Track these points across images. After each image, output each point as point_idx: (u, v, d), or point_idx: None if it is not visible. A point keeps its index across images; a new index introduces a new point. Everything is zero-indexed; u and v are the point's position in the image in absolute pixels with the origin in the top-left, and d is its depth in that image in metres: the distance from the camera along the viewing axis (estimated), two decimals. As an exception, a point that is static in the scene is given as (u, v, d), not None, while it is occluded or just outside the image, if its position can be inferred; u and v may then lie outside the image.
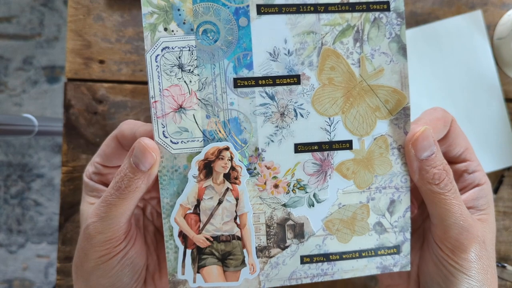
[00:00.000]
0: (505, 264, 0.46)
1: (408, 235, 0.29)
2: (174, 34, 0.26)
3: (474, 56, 0.47)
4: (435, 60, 0.47)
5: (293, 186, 0.28)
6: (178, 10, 0.26)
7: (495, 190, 0.47)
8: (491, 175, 0.47)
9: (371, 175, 0.28)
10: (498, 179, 0.47)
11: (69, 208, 0.44)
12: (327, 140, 0.28)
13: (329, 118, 0.28)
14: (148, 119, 0.45)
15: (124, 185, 0.25)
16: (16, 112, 1.20)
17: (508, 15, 0.46)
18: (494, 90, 0.47)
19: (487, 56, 0.46)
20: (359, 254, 0.29)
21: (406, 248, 0.29)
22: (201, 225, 0.27)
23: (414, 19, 0.47)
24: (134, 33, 0.46)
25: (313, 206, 0.28)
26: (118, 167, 0.29)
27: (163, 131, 0.26)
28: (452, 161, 0.29)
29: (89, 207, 0.28)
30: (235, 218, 0.27)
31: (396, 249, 0.29)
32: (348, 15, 0.27)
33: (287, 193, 0.28)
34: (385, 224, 0.29)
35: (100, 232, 0.26)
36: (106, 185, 0.29)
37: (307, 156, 0.28)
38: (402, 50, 0.28)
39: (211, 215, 0.27)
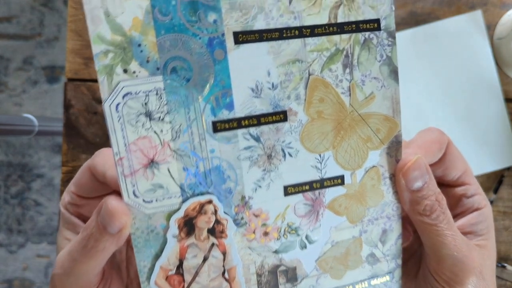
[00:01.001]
0: (505, 264, 0.46)
1: (399, 261, 0.28)
2: (137, 76, 0.21)
3: (474, 56, 0.47)
4: (435, 60, 0.47)
5: (284, 231, 0.26)
6: (139, 45, 0.21)
7: (495, 190, 0.47)
8: (491, 175, 0.47)
9: (363, 208, 0.27)
10: (498, 179, 0.47)
11: (69, 208, 0.44)
12: (318, 178, 0.26)
13: (320, 155, 0.25)
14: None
15: (91, 244, 0.23)
16: (16, 112, 1.20)
17: (508, 15, 0.46)
18: (494, 90, 0.47)
19: (487, 56, 0.46)
20: (353, 287, 0.27)
21: (398, 274, 0.28)
22: (186, 285, 0.24)
23: (414, 19, 0.47)
24: (134, 33, 0.46)
25: (305, 248, 0.26)
26: (95, 199, 0.27)
27: (133, 190, 0.22)
28: (449, 184, 0.28)
29: (63, 242, 0.27)
30: (223, 273, 0.25)
31: (388, 277, 0.28)
32: (336, 38, 0.24)
33: (278, 239, 0.26)
34: (377, 255, 0.28)
35: (65, 287, 0.24)
36: (82, 218, 0.27)
37: (297, 197, 0.25)
38: (394, 73, 0.26)
39: (196, 274, 0.24)
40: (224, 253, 0.25)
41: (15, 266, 1.17)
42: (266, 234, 0.25)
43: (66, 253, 0.24)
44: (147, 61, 0.21)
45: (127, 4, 0.20)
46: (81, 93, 0.45)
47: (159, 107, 0.22)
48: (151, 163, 0.22)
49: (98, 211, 0.23)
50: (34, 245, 1.18)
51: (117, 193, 0.29)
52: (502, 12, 0.47)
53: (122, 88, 0.21)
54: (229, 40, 0.22)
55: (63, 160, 0.44)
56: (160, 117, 0.22)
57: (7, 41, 1.21)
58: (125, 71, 0.21)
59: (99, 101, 0.45)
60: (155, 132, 0.22)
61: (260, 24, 0.23)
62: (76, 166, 0.44)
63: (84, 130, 0.45)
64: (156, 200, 0.23)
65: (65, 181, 0.44)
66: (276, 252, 0.26)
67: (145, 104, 0.22)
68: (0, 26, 1.22)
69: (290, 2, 0.23)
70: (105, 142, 0.45)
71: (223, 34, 0.22)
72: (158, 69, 0.21)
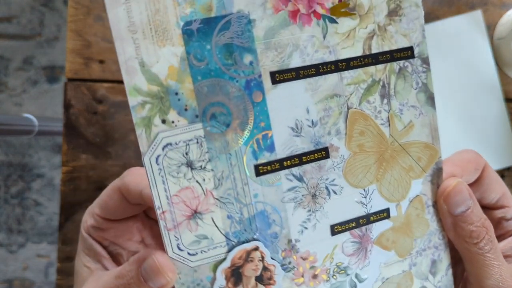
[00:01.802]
0: None
1: None
2: (176, 125, 0.21)
3: (474, 56, 0.47)
4: (435, 60, 0.47)
5: (333, 272, 0.25)
6: (176, 94, 0.20)
7: (495, 190, 0.47)
8: (491, 175, 0.47)
9: (410, 240, 0.26)
10: (498, 179, 0.47)
11: (69, 208, 0.44)
12: (364, 213, 0.25)
13: (364, 189, 0.25)
14: (148, 119, 0.45)
15: None
16: (16, 112, 1.20)
17: (508, 15, 0.46)
18: (494, 90, 0.47)
19: (487, 56, 0.46)
20: None
21: None
22: None
23: (414, 19, 0.47)
24: (134, 33, 0.46)
25: (355, 287, 0.25)
26: (122, 221, 0.26)
27: (177, 244, 0.22)
28: (488, 207, 0.28)
29: (83, 270, 0.26)
30: None
31: None
32: (371, 69, 0.24)
33: (327, 280, 0.25)
34: (429, 287, 0.27)
35: None
36: (105, 243, 0.27)
37: (345, 236, 0.25)
38: (430, 99, 0.26)
39: None
40: None
41: (15, 266, 1.17)
42: (315, 277, 0.25)
43: None
44: (185, 109, 0.21)
45: (161, 52, 0.20)
46: (81, 93, 0.45)
47: (200, 155, 0.21)
48: (195, 214, 0.22)
49: (139, 262, 0.22)
50: (34, 245, 1.18)
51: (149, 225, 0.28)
52: (502, 12, 0.47)
53: (161, 140, 0.21)
54: (266, 81, 0.22)
55: (63, 160, 0.44)
56: (201, 165, 0.21)
57: (7, 41, 1.21)
58: (163, 121, 0.20)
59: (99, 101, 0.45)
60: (197, 181, 0.21)
61: (296, 62, 0.23)
62: (76, 166, 0.44)
63: (84, 130, 0.45)
64: (201, 252, 0.22)
65: (65, 181, 0.44)
66: None
67: (186, 154, 0.21)
68: (0, 26, 1.22)
69: (324, 37, 0.23)
70: (105, 142, 0.45)
71: (259, 75, 0.22)
72: (197, 116, 0.21)
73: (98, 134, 0.45)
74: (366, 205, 0.25)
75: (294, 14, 0.22)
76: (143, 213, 0.28)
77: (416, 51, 0.25)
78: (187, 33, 0.20)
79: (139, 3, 0.20)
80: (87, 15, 0.46)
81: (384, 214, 0.25)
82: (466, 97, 0.47)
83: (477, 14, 0.46)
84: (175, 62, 0.20)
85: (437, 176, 0.26)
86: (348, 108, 0.24)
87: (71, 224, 0.44)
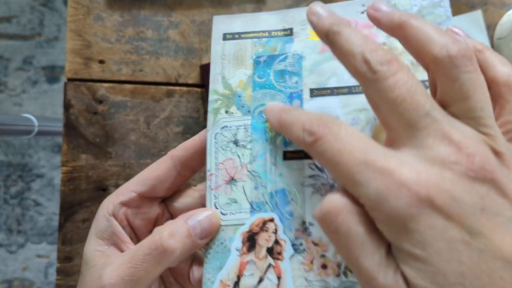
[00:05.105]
0: None
1: None
2: (233, 115, 0.28)
3: (474, 56, 0.47)
4: (435, 60, 0.47)
5: (345, 268, 0.25)
6: (239, 96, 0.29)
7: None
8: (491, 175, 0.47)
9: None
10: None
11: (69, 208, 0.44)
12: None
13: None
14: (147, 119, 0.45)
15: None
16: (16, 112, 1.20)
17: (508, 15, 0.46)
18: (494, 90, 0.47)
19: (487, 56, 0.46)
20: None
21: None
22: None
23: (414, 19, 0.47)
24: (134, 33, 0.46)
25: None
26: (150, 202, 0.28)
27: (215, 202, 0.27)
28: None
29: (94, 254, 0.26)
30: None
31: None
32: None
33: (337, 275, 0.24)
34: None
35: None
36: (125, 227, 0.27)
37: None
38: None
39: None
40: (279, 278, 0.25)
41: (15, 266, 1.17)
42: (324, 266, 0.25)
43: (126, 261, 0.24)
44: (243, 106, 0.28)
45: (237, 72, 0.29)
46: (81, 93, 0.45)
47: (245, 137, 0.28)
48: (231, 181, 0.27)
49: (185, 217, 0.25)
50: (34, 245, 1.18)
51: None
52: (502, 12, 0.47)
53: (222, 123, 0.28)
54: (306, 93, 0.28)
55: (63, 160, 0.44)
56: (243, 144, 0.27)
57: (7, 41, 1.21)
58: (226, 112, 0.28)
59: (99, 101, 0.45)
60: (238, 155, 0.27)
61: (332, 83, 0.28)
62: (76, 166, 0.44)
63: (84, 130, 0.45)
64: (230, 213, 0.26)
65: (65, 181, 0.44)
66: None
67: (235, 134, 0.28)
68: (0, 26, 1.22)
69: None
70: (105, 142, 0.45)
71: (301, 90, 0.28)
72: (249, 111, 0.28)
73: (98, 134, 0.45)
74: None
75: None
76: (165, 207, 0.29)
77: None
78: (256, 62, 0.29)
79: (230, 44, 0.30)
80: (87, 15, 0.46)
81: None
82: (466, 97, 0.47)
83: (477, 14, 0.46)
84: (244, 78, 0.29)
85: None
86: (376, 120, 0.26)
87: (71, 224, 0.44)
